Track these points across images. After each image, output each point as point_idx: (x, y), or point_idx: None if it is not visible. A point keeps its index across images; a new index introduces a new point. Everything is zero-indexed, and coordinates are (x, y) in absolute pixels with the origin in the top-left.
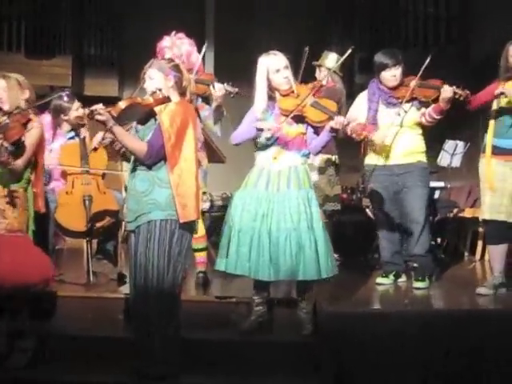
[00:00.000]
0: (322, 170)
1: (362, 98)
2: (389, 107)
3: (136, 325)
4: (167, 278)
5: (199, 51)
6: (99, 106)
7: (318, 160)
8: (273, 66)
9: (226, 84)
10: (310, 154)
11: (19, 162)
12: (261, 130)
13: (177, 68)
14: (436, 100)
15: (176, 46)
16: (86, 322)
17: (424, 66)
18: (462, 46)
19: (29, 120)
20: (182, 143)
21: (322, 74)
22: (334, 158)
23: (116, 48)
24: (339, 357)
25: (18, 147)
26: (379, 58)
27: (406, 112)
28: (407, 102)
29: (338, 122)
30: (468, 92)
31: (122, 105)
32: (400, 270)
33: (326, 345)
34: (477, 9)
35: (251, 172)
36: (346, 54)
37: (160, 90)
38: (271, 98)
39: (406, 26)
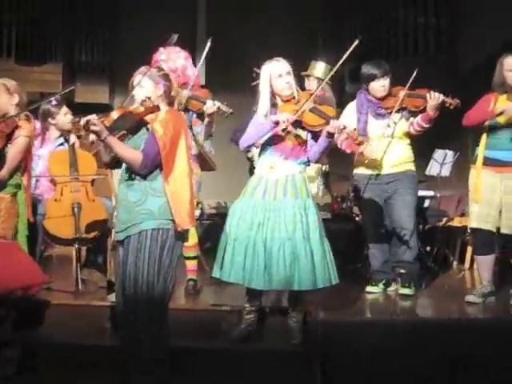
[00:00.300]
0: (312, 179)
1: (350, 109)
2: (378, 118)
3: (124, 334)
4: (157, 288)
5: (195, 64)
6: (93, 117)
7: (309, 169)
8: (275, 72)
9: (220, 104)
10: (308, 162)
11: (2, 173)
12: (276, 123)
13: (166, 77)
14: (425, 109)
15: (171, 59)
16: (74, 330)
17: (412, 77)
18: (451, 56)
19: (17, 127)
20: (176, 151)
21: (311, 84)
22: (324, 167)
23: (107, 55)
24: (329, 366)
25: (0, 158)
26: (367, 68)
27: (395, 123)
28: (396, 112)
29: (333, 125)
30: (458, 101)
31: (114, 115)
32: (390, 278)
33: (315, 354)
34: (466, 19)
35: (250, 181)
36: (354, 45)
37: (149, 98)
38: (273, 104)
39: (396, 36)
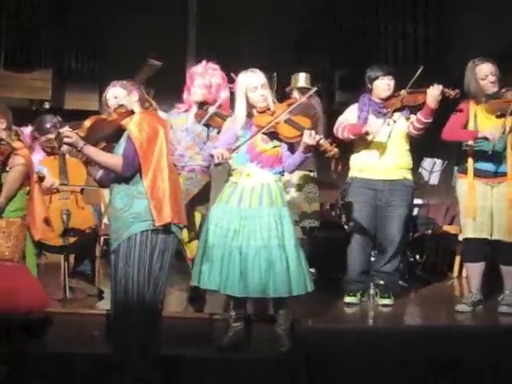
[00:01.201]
0: (299, 187)
1: (352, 109)
2: (379, 117)
3: (116, 341)
4: (148, 294)
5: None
6: (66, 129)
7: (296, 176)
8: (250, 84)
9: None
10: (283, 171)
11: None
12: (212, 156)
13: (138, 87)
14: (424, 105)
15: (208, 74)
16: (62, 338)
17: (416, 76)
18: (440, 65)
19: (12, 150)
20: (154, 148)
21: (296, 95)
22: (312, 174)
23: (97, 62)
24: (317, 374)
25: None
26: (372, 70)
27: (394, 122)
28: (396, 110)
29: (310, 137)
30: (458, 90)
31: (87, 123)
32: (366, 288)
33: (303, 362)
34: (454, 30)
35: (225, 187)
36: (312, 91)
37: (122, 105)
38: (249, 114)
39: (386, 45)
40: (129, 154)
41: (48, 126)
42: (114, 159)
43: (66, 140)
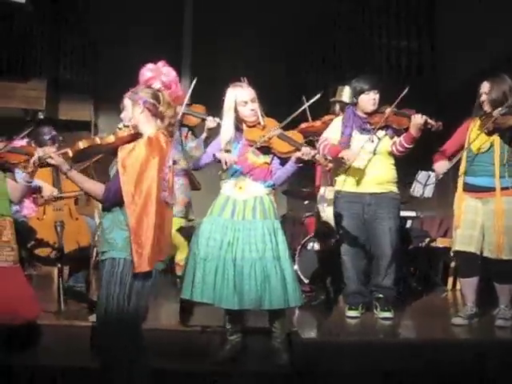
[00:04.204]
0: (330, 202)
1: (337, 122)
2: (363, 133)
3: (101, 355)
4: (128, 310)
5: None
6: (50, 150)
7: (329, 191)
8: (240, 98)
9: (218, 118)
10: (274, 185)
11: None
12: (219, 160)
13: (153, 95)
14: (408, 129)
15: (163, 74)
16: (57, 351)
17: (401, 96)
18: (430, 79)
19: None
20: (142, 189)
21: (337, 109)
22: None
23: (92, 73)
24: None
25: None
26: (358, 82)
27: (379, 139)
28: (381, 128)
29: (304, 152)
30: (440, 123)
31: (80, 145)
32: (368, 301)
33: (301, 375)
34: (446, 45)
35: (217, 199)
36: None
37: (127, 127)
38: (238, 128)
39: (379, 58)
40: (112, 186)
41: (46, 137)
42: (97, 188)
43: (49, 161)
